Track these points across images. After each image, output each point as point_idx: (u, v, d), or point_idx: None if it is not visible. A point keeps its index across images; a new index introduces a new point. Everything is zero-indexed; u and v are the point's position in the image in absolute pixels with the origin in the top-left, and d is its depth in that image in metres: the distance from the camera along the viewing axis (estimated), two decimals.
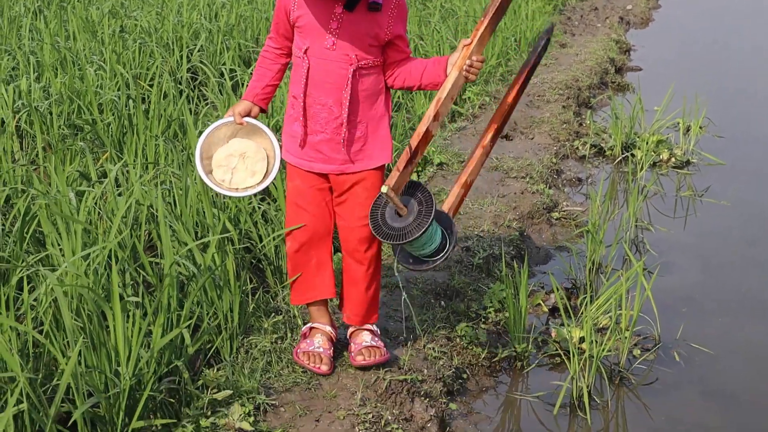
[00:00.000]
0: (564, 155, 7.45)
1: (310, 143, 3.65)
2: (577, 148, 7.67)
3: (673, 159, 7.55)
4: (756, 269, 5.69)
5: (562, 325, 4.49)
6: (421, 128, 3.52)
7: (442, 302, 4.58)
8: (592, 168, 7.35)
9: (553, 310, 4.82)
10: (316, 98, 3.59)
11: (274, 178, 3.77)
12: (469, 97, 8.29)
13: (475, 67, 3.54)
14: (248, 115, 3.75)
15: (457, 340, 4.31)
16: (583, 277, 5.18)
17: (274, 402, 3.54)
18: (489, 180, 6.27)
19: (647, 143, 7.47)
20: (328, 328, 3.91)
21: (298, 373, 3.75)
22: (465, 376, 4.16)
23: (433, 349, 4.12)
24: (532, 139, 7.53)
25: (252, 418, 3.39)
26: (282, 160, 3.75)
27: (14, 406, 2.84)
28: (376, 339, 3.88)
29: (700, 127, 8.14)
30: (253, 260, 4.59)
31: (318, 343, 3.84)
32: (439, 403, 3.83)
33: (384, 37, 3.57)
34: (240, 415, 3.36)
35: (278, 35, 3.70)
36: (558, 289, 4.58)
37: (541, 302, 4.90)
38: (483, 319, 4.57)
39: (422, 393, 3.80)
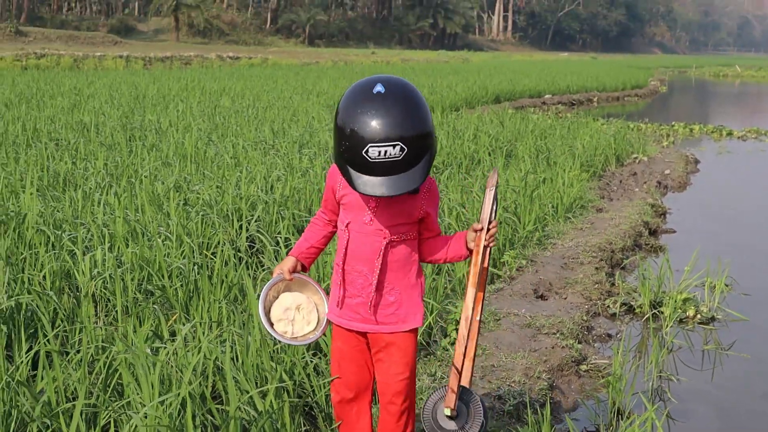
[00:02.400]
0: (595, 313, 8.00)
1: (349, 305, 4.07)
2: (608, 306, 8.22)
3: (699, 315, 8.06)
4: None
5: None
6: (460, 349, 3.97)
7: None
8: (622, 325, 7.87)
9: None
10: (353, 266, 4.01)
11: (326, 327, 4.19)
12: (506, 261, 8.89)
13: (492, 236, 4.03)
14: (294, 270, 4.20)
15: None
16: (605, 422, 5.67)
17: None
18: (522, 336, 6.82)
19: (674, 301, 8.02)
20: None
21: None
22: None
23: None
24: (566, 299, 8.09)
25: None
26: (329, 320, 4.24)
27: None
28: None
29: (726, 285, 8.70)
30: (305, 407, 5.17)
31: None
32: None
33: (417, 216, 3.99)
34: None
35: (327, 210, 4.17)
36: None
37: None
38: None
39: None
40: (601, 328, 7.72)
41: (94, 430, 4.20)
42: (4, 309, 5.63)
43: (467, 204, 9.85)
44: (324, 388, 5.11)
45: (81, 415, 4.09)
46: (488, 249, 4.07)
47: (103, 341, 5.37)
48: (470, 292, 3.96)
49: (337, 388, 4.24)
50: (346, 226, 4.01)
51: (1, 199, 8.86)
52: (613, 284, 8.94)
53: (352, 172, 3.67)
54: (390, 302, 4.03)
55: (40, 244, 7.15)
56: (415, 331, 4.15)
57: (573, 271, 8.95)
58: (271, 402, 4.53)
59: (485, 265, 4.10)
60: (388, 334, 4.08)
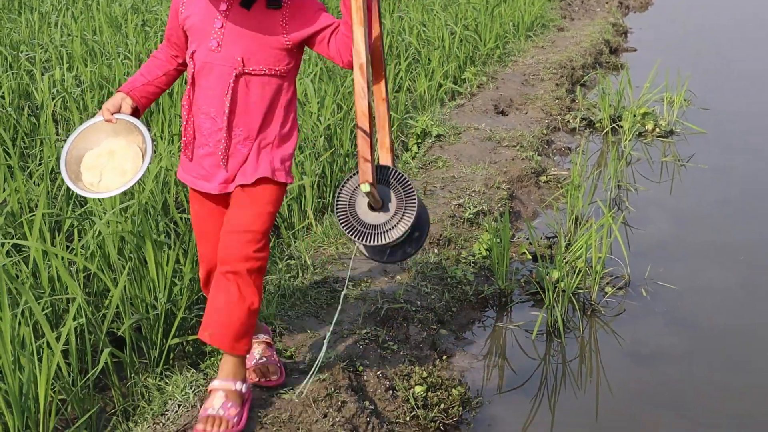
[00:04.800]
0: (555, 127, 8.05)
1: (196, 157, 3.28)
2: (568, 121, 8.27)
3: (657, 129, 8.14)
4: (724, 222, 6.27)
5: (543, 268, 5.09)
6: (362, 107, 3.02)
7: (435, 249, 5.19)
8: (581, 138, 7.94)
9: (537, 258, 5.40)
10: (200, 106, 3.21)
11: (144, 174, 3.45)
12: (467, 78, 8.88)
13: None
14: (118, 110, 3.28)
15: (448, 280, 4.91)
16: (565, 230, 5.77)
17: (288, 326, 4.15)
18: (482, 149, 6.87)
19: (634, 115, 8.07)
20: (261, 336, 3.74)
21: (309, 304, 4.37)
22: (454, 309, 4.75)
23: (426, 286, 4.74)
24: (526, 114, 8.13)
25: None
26: None
27: (74, 320, 3.47)
28: (229, 405, 3.28)
29: (685, 100, 8.76)
30: None
31: (258, 353, 3.67)
32: (431, 329, 4.44)
33: (281, 40, 3.15)
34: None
35: (171, 43, 3.34)
36: (537, 239, 5.22)
37: (526, 251, 5.49)
38: (472, 264, 5.18)
39: (416, 320, 4.41)
40: (560, 141, 7.78)
41: (59, 237, 4.24)
42: None
43: (428, 23, 9.78)
44: (286, 201, 5.17)
45: (45, 223, 4.12)
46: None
47: None
48: (357, 31, 2.97)
49: (201, 262, 3.49)
50: (191, 55, 3.20)
51: None
52: (573, 100, 8.99)
53: None
54: (243, 155, 3.22)
55: None
56: (275, 185, 3.27)
57: (533, 88, 8.98)
58: None
59: (374, 41, 3.16)
60: (237, 188, 3.26)
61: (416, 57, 8.76)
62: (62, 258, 3.87)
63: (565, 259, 5.04)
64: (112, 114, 3.24)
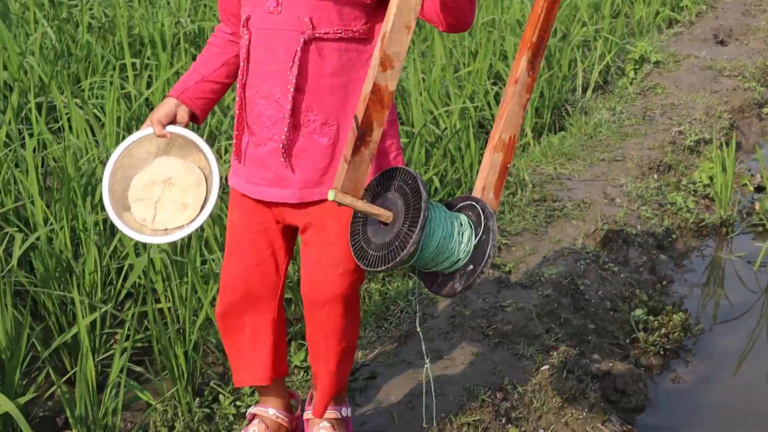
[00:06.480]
0: None
1: (254, 157, 2.50)
2: None
3: None
4: None
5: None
6: (366, 88, 2.12)
7: (655, 175, 5.08)
8: None
9: (759, 189, 5.23)
10: (258, 89, 2.43)
11: (213, 209, 2.62)
12: (686, 5, 8.63)
13: None
14: (173, 121, 2.59)
15: (668, 206, 4.81)
16: None
17: (507, 242, 4.14)
18: (702, 78, 6.67)
19: None
20: (272, 413, 2.86)
21: (528, 220, 4.34)
22: (674, 236, 4.65)
23: (646, 211, 4.65)
24: (747, 44, 7.84)
25: None
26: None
27: None
28: None
29: None
30: (485, 135, 5.21)
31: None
32: (651, 254, 4.36)
33: None
34: None
35: (227, 15, 2.56)
36: (765, 168, 5.06)
37: (748, 182, 5.33)
38: (692, 192, 5.05)
39: (635, 243, 4.34)
40: None
41: None
42: (189, 32, 5.74)
43: None
44: None
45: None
46: None
47: None
48: None
49: (224, 290, 2.70)
50: (246, 23, 2.43)
51: None
52: None
53: None
54: (322, 146, 2.44)
55: None
56: None
57: (755, 18, 8.65)
58: (455, 122, 4.57)
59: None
60: (320, 203, 2.49)
61: None
62: None
63: None
64: (165, 126, 2.57)
